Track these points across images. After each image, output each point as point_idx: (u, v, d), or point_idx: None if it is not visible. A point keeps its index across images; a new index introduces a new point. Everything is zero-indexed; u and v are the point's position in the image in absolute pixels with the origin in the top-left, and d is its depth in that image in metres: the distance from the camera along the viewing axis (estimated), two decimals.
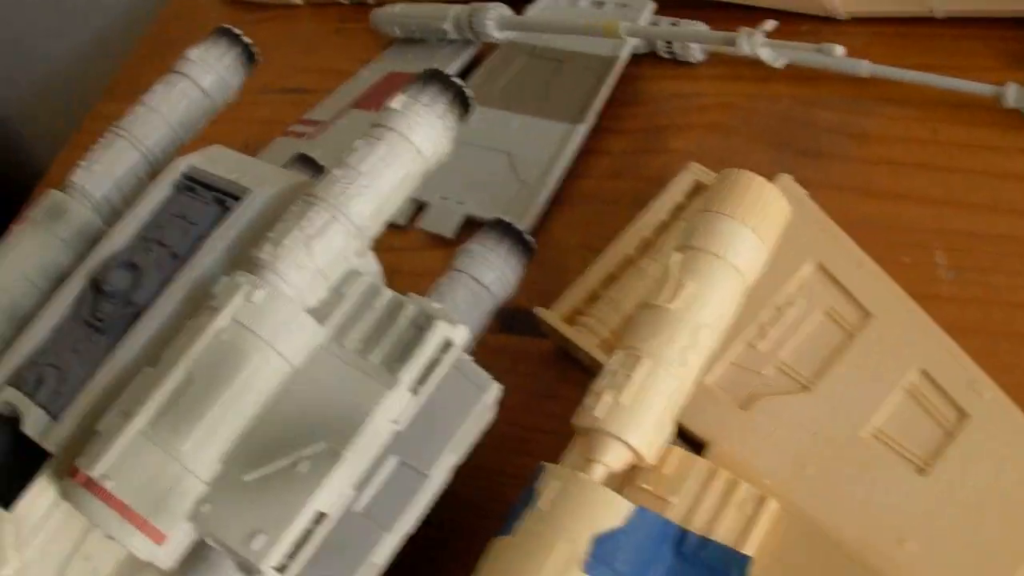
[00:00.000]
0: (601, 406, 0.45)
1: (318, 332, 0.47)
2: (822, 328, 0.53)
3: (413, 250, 0.70)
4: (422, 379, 0.46)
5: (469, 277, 0.54)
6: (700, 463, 0.47)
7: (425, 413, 0.47)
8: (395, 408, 0.45)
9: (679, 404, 0.46)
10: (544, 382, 0.60)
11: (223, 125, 0.62)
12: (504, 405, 0.50)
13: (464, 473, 0.49)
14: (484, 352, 0.51)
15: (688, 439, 0.51)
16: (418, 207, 0.72)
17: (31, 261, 0.56)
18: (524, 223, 0.63)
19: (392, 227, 0.68)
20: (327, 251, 0.47)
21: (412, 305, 0.46)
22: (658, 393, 0.45)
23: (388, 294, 0.47)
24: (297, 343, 0.46)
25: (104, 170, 0.58)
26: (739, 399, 0.52)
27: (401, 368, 0.45)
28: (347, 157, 0.49)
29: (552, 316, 0.57)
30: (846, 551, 0.45)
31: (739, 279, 0.48)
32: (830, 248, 0.55)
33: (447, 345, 0.46)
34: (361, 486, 0.46)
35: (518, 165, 0.69)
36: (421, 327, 0.46)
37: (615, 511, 0.44)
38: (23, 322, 0.54)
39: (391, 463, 0.47)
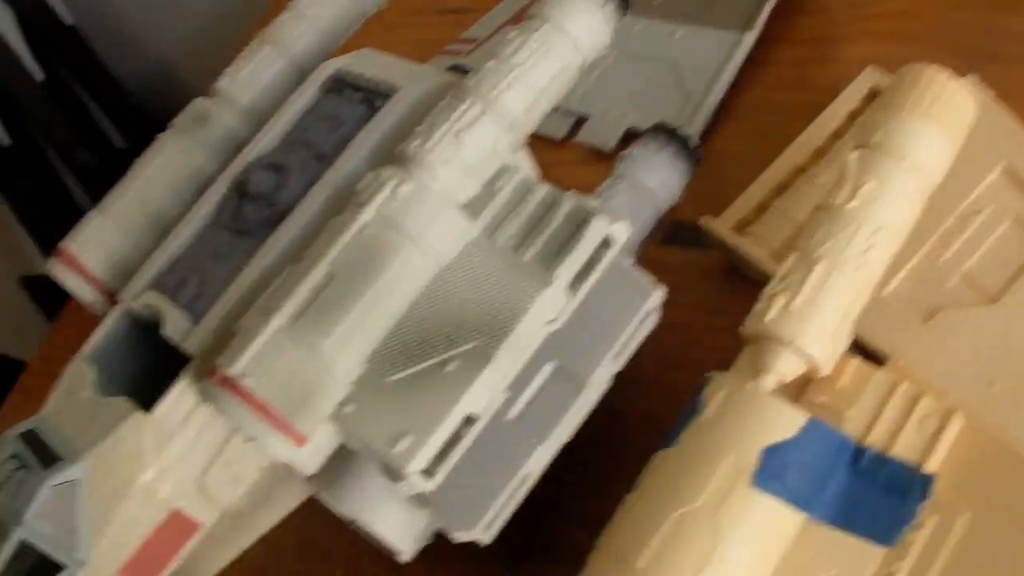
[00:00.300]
0: (773, 310, 0.42)
1: (468, 228, 0.45)
2: (1011, 237, 0.49)
3: (571, 164, 0.67)
4: (580, 278, 0.43)
5: (632, 183, 0.51)
6: (879, 375, 0.44)
7: (584, 317, 0.44)
8: (550, 308, 0.43)
9: (856, 311, 0.43)
10: (711, 297, 0.57)
11: (381, 47, 0.59)
12: (668, 321, 0.47)
13: (625, 386, 0.47)
14: (646, 265, 0.49)
15: (866, 353, 0.47)
16: (577, 121, 0.69)
17: (174, 169, 0.55)
18: (690, 134, 0.60)
19: (549, 141, 0.67)
20: (478, 145, 0.45)
21: (569, 200, 0.43)
22: (834, 298, 0.42)
23: (543, 189, 0.44)
24: (446, 239, 0.44)
25: (249, 77, 0.57)
26: (921, 312, 0.48)
27: (557, 265, 0.42)
28: (500, 49, 0.46)
29: (720, 226, 0.54)
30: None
31: (922, 179, 0.44)
32: (1020, 151, 0.51)
33: (606, 243, 0.43)
34: (515, 392, 0.44)
35: (682, 76, 0.66)
36: (578, 223, 0.43)
37: (786, 422, 0.41)
38: (167, 230, 0.53)
39: (547, 369, 0.44)
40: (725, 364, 0.44)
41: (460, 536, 0.43)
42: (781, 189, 0.54)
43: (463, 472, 0.42)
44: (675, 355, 0.52)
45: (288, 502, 0.52)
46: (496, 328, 0.41)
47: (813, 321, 0.42)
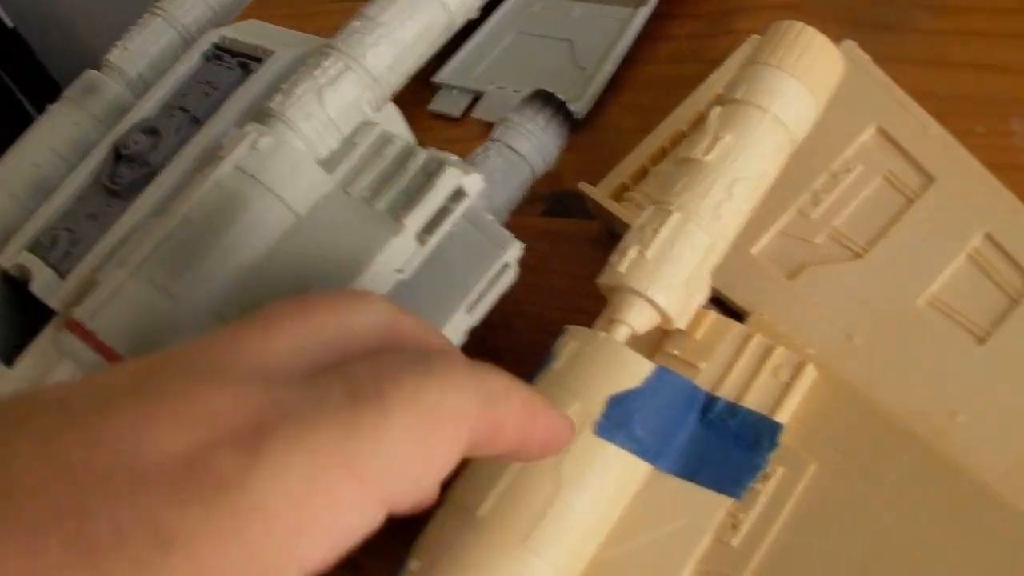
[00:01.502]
0: (625, 261, 0.42)
1: (325, 181, 0.45)
2: (880, 194, 0.49)
3: (469, 140, 0.66)
4: (430, 227, 0.43)
5: (504, 146, 0.52)
6: (735, 328, 0.44)
7: (438, 270, 0.45)
8: (399, 255, 0.43)
9: (713, 263, 0.43)
10: (591, 264, 0.55)
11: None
12: (548, 287, 0.47)
13: (503, 353, 0.46)
14: (529, 234, 0.49)
15: (730, 311, 0.47)
16: (475, 97, 0.69)
17: (61, 136, 0.55)
18: (579, 106, 0.60)
19: (449, 119, 0.67)
20: (339, 100, 0.45)
21: (423, 153, 0.43)
22: (688, 249, 0.42)
23: (399, 142, 0.44)
24: (301, 191, 0.44)
25: (139, 48, 0.58)
26: (787, 269, 0.48)
27: (407, 214, 0.43)
28: (366, 8, 0.47)
29: (597, 192, 0.54)
30: (891, 422, 0.40)
31: (783, 133, 0.44)
32: (893, 112, 0.50)
33: (459, 193, 0.43)
34: None
35: (578, 52, 0.66)
36: (431, 174, 0.43)
37: (632, 371, 0.41)
38: (50, 194, 0.53)
39: None
40: None
41: None
42: (660, 156, 0.54)
43: None
44: (554, 322, 0.52)
45: None
46: (344, 276, 0.42)
47: (665, 272, 0.41)
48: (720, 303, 0.48)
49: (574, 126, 0.62)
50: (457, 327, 0.44)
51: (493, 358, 0.44)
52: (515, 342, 0.47)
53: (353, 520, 0.26)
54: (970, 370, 0.43)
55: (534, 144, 0.52)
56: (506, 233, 0.45)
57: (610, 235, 0.56)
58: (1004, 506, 0.37)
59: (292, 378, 0.27)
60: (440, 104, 0.70)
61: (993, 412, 0.42)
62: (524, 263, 0.48)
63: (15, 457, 0.24)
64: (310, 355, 0.28)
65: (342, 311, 0.30)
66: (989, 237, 0.46)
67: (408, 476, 0.28)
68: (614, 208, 0.53)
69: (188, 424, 0.25)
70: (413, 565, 0.39)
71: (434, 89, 0.72)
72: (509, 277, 0.45)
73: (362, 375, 0.28)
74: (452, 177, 0.43)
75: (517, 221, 0.58)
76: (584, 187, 0.54)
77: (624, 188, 0.55)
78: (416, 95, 0.72)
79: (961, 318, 0.45)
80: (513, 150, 0.51)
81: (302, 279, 0.42)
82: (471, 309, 0.44)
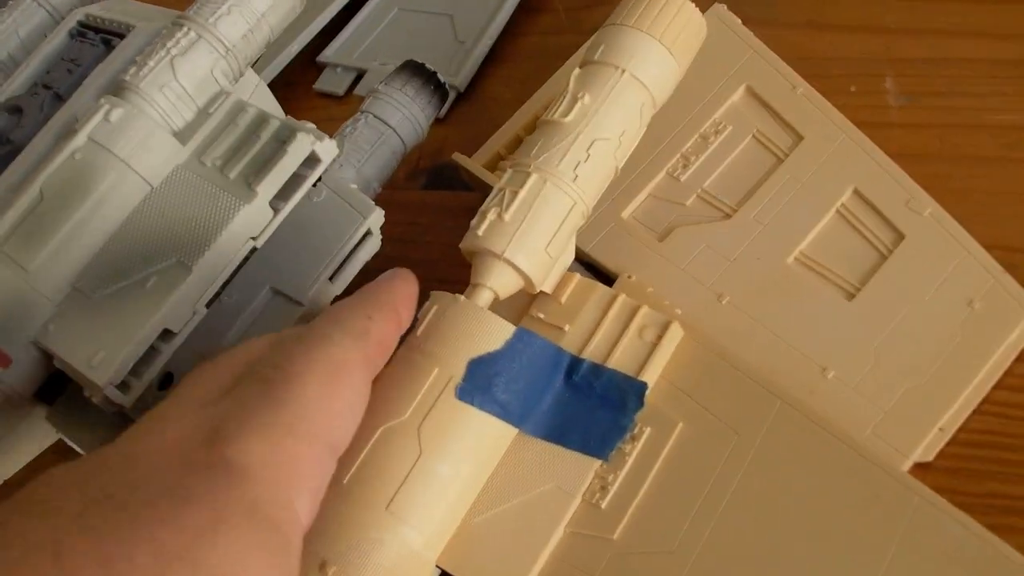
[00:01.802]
0: (483, 224, 0.41)
1: (179, 151, 0.44)
2: (749, 154, 0.49)
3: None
4: (283, 194, 0.43)
5: (373, 117, 0.51)
6: (600, 290, 0.43)
7: (298, 239, 0.44)
8: (253, 223, 0.42)
9: (575, 225, 0.42)
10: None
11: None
12: (421, 259, 0.46)
13: None
14: (410, 208, 0.50)
15: (603, 276, 0.47)
16: (358, 75, 0.69)
17: None
18: (458, 80, 0.59)
19: (332, 97, 0.66)
20: (192, 71, 0.44)
21: (276, 121, 0.42)
22: (547, 210, 0.41)
23: (252, 111, 0.43)
24: (154, 161, 0.43)
25: (9, 29, 0.56)
26: (657, 232, 0.48)
27: (259, 181, 0.42)
28: None
29: (470, 162, 0.53)
30: (759, 380, 0.40)
31: (643, 93, 0.43)
32: (762, 72, 0.50)
33: (312, 160, 0.42)
34: (233, 316, 0.43)
35: (458, 27, 0.65)
36: (283, 141, 0.42)
37: (493, 334, 0.39)
38: None
39: (264, 293, 0.43)
40: None
41: None
42: (533, 125, 0.53)
43: None
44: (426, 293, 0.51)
45: (31, 445, 0.50)
46: (197, 243, 0.41)
47: (524, 234, 0.40)
48: (592, 268, 0.47)
49: (456, 100, 0.61)
50: (320, 296, 0.43)
51: None
52: None
53: (315, 471, 0.32)
54: (840, 326, 0.43)
55: (404, 115, 0.51)
56: (367, 200, 0.44)
57: None
58: (870, 462, 0.37)
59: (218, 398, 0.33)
60: (325, 83, 0.69)
61: (863, 367, 0.42)
62: (403, 236, 0.48)
63: None
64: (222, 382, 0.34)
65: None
66: (858, 192, 0.46)
67: (337, 420, 0.34)
68: (487, 177, 0.52)
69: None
70: None
71: (320, 68, 0.71)
72: (372, 245, 0.44)
73: (264, 364, 0.34)
74: (304, 143, 0.42)
75: (398, 196, 0.57)
76: (458, 158, 0.53)
77: (500, 157, 0.54)
78: (302, 75, 0.71)
79: (831, 274, 0.45)
80: (382, 121, 0.50)
81: (158, 249, 0.41)
82: (334, 277, 0.43)
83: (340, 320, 0.36)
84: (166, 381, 0.42)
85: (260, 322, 0.43)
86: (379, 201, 0.45)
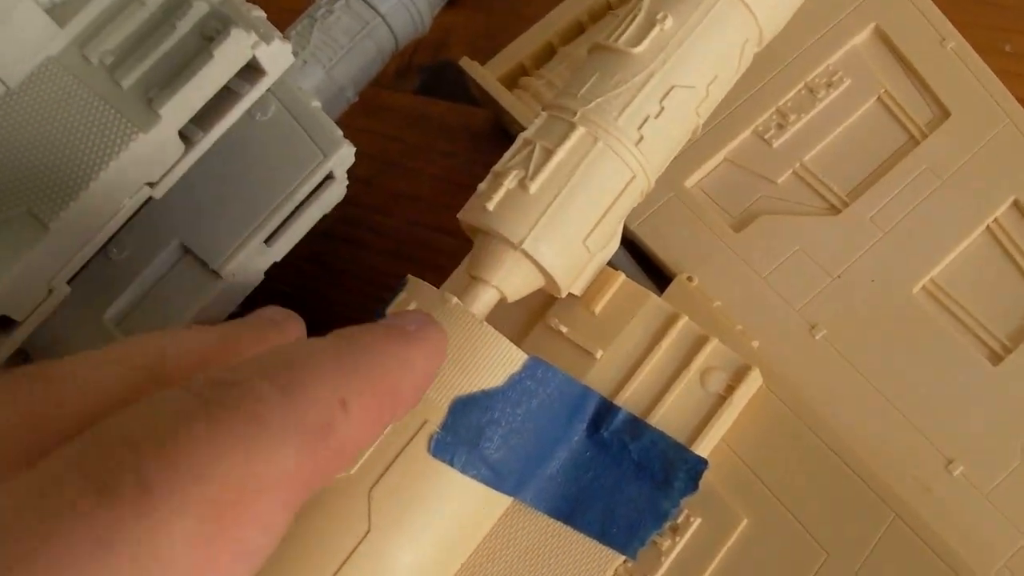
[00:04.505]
0: (497, 195, 0.29)
1: (53, 35, 0.31)
2: (872, 122, 0.37)
3: None
4: (203, 120, 0.30)
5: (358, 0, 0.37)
6: (653, 303, 0.32)
7: (229, 177, 0.32)
8: (150, 160, 0.30)
9: (628, 207, 0.31)
10: (470, 166, 0.44)
11: None
12: (413, 194, 0.38)
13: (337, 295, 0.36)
14: (396, 117, 0.41)
15: (649, 268, 0.36)
16: None
17: None
18: None
19: None
20: None
21: (202, 4, 0.29)
22: (594, 183, 0.30)
23: None
24: (14, 49, 0.31)
25: None
26: (734, 216, 0.36)
27: (166, 98, 0.28)
28: None
29: (483, 72, 0.41)
30: (867, 474, 0.29)
31: (750, 24, 0.31)
32: (900, 9, 0.38)
33: (253, 70, 0.29)
34: (122, 282, 0.32)
35: None
36: (210, 38, 0.29)
37: (493, 364, 0.28)
38: None
39: (170, 250, 0.32)
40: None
41: None
42: (573, 32, 0.42)
43: None
44: (411, 246, 0.40)
45: None
46: (61, 189, 0.29)
47: (555, 216, 0.29)
48: (637, 253, 0.36)
49: None
50: (249, 265, 0.32)
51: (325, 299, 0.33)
52: (360, 269, 0.35)
53: None
54: (979, 401, 0.32)
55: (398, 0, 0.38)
56: (334, 129, 0.32)
57: (502, 131, 0.43)
58: None
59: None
60: None
61: (1005, 466, 0.32)
62: (383, 155, 0.39)
63: None
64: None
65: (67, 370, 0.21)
66: (1019, 206, 0.35)
67: None
68: (503, 98, 0.40)
69: None
70: None
71: None
72: (332, 194, 0.32)
73: (113, 451, 0.18)
74: (240, 44, 0.29)
75: (382, 98, 0.46)
76: (467, 64, 0.41)
77: (522, 71, 0.42)
78: None
79: (970, 320, 0.34)
80: (368, 5, 0.38)
81: (7, 183, 0.29)
82: (271, 239, 0.31)
83: (287, 389, 0.20)
84: None
85: (159, 293, 0.32)
86: (356, 104, 0.34)
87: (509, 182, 0.29)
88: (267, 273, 0.34)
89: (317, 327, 0.28)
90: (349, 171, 0.34)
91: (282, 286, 0.39)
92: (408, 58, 0.48)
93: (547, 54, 0.42)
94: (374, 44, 0.38)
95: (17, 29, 0.30)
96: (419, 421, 0.28)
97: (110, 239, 0.30)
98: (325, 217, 0.34)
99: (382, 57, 0.38)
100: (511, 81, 0.42)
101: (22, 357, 0.31)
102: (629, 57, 0.30)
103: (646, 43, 0.30)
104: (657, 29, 0.30)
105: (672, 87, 0.30)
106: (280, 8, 0.35)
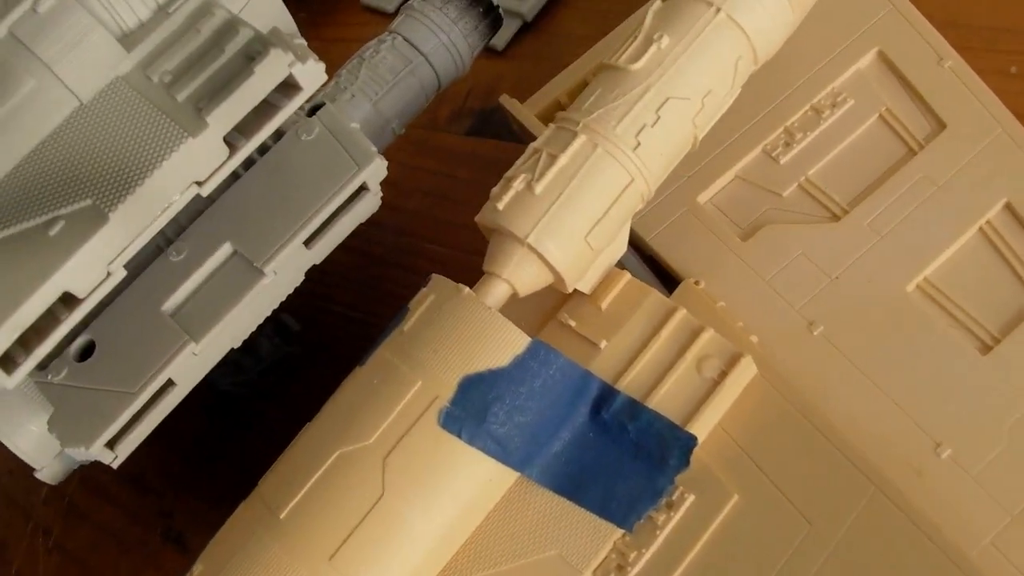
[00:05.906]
0: (507, 196, 0.32)
1: (120, 58, 0.35)
2: (873, 138, 0.39)
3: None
4: (245, 128, 0.33)
5: (403, 40, 0.41)
6: (653, 298, 0.34)
7: (275, 187, 0.35)
8: (198, 161, 0.33)
9: (629, 209, 0.33)
10: None
11: None
12: (462, 224, 0.38)
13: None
14: (445, 155, 0.43)
15: (663, 274, 0.38)
16: None
17: None
18: (525, 7, 0.50)
19: (381, 13, 0.58)
20: None
21: (248, 30, 0.33)
22: (594, 184, 0.32)
23: (220, 15, 0.35)
24: (87, 69, 0.35)
25: None
26: (742, 227, 0.38)
27: (212, 108, 0.32)
28: None
29: (522, 109, 0.43)
30: (850, 451, 0.31)
31: (742, 43, 0.34)
32: (901, 35, 0.41)
33: (289, 86, 0.32)
34: (177, 278, 0.35)
35: None
36: (252, 58, 0.32)
37: (498, 345, 0.31)
38: None
39: (221, 252, 0.35)
40: None
41: (76, 455, 0.35)
42: None
43: (88, 372, 0.34)
44: (454, 268, 0.42)
45: None
46: (120, 185, 0.32)
47: (557, 214, 0.32)
48: (653, 263, 0.38)
49: (521, 31, 0.52)
50: (290, 264, 0.35)
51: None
52: (413, 293, 0.38)
53: None
54: (967, 388, 0.34)
55: (441, 41, 0.42)
56: (367, 145, 0.35)
57: None
58: None
59: None
60: None
61: (991, 449, 0.33)
62: (435, 189, 0.42)
63: None
64: None
65: None
66: (1010, 208, 0.36)
67: None
68: (537, 129, 0.42)
69: None
70: (197, 570, 0.31)
71: None
72: (367, 204, 0.36)
73: None
74: (278, 63, 0.33)
75: (436, 139, 0.49)
76: (506, 101, 0.44)
77: (559, 107, 0.44)
78: None
79: (962, 314, 0.35)
80: (412, 45, 0.41)
81: (72, 184, 0.33)
82: (311, 242, 0.34)
83: None
84: (86, 353, 0.34)
85: (209, 291, 0.35)
86: (411, 142, 0.39)
87: (518, 184, 0.32)
88: (327, 294, 0.37)
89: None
90: (403, 203, 0.37)
91: (341, 307, 0.43)
92: (461, 102, 0.51)
93: (581, 90, 0.45)
94: (417, 81, 0.41)
95: (90, 52, 0.34)
96: (431, 396, 0.30)
97: (170, 242, 0.33)
98: (383, 244, 0.37)
99: (426, 93, 0.41)
100: (548, 116, 0.44)
101: (90, 347, 0.34)
102: (629, 73, 0.33)
103: (644, 60, 0.33)
104: (655, 47, 0.33)
105: (667, 99, 0.33)
106: (323, 39, 0.39)
